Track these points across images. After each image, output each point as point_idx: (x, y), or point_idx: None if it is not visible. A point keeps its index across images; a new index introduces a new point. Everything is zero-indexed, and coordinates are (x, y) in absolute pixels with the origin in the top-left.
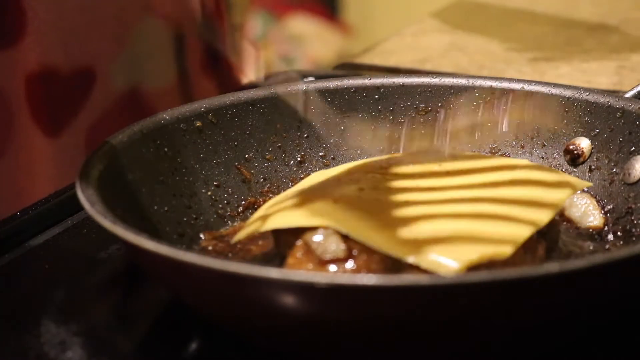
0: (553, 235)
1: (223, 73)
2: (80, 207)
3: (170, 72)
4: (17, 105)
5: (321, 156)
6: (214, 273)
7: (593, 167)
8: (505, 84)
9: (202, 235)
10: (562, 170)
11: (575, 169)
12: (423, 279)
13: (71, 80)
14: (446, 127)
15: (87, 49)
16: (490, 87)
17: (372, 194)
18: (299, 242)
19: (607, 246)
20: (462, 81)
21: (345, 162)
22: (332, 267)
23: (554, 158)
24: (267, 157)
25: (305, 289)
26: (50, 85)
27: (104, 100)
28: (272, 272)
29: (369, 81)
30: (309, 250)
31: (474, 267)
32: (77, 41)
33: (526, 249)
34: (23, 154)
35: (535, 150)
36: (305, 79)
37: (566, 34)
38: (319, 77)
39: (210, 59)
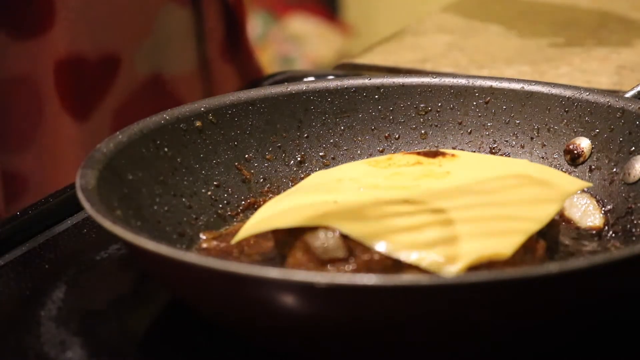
0: (553, 235)
1: (243, 59)
2: (80, 207)
3: (191, 57)
4: (46, 92)
5: (321, 156)
6: (214, 273)
7: (593, 167)
8: (505, 84)
9: (202, 235)
10: (562, 170)
11: (575, 169)
12: (423, 279)
13: (97, 66)
14: (447, 127)
15: (112, 35)
16: (490, 87)
17: (372, 193)
18: (299, 242)
19: (607, 246)
20: (462, 81)
21: (345, 162)
22: (332, 267)
23: (554, 158)
24: (267, 157)
25: (305, 289)
26: (78, 71)
27: (129, 85)
28: (272, 272)
29: (369, 81)
30: (309, 250)
31: (474, 267)
32: (103, 28)
33: (526, 249)
34: (52, 138)
35: (535, 150)
36: (305, 79)
37: (566, 34)
38: (319, 77)
39: (231, 45)
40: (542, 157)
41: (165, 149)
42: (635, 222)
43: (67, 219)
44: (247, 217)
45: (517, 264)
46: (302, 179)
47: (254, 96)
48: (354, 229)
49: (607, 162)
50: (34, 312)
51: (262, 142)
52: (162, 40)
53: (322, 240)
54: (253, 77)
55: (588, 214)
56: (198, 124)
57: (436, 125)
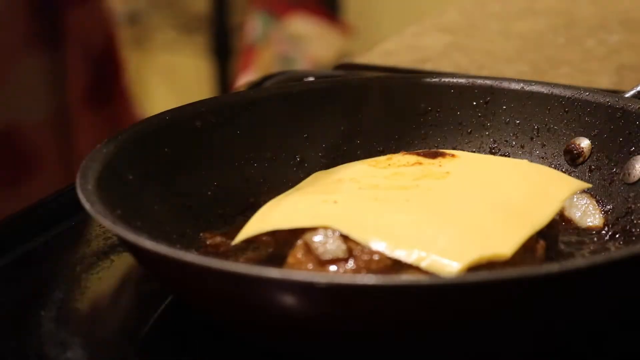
0: (553, 235)
1: (114, 108)
2: (80, 207)
3: (47, 106)
4: None
5: (321, 156)
6: (214, 273)
7: (593, 167)
8: (505, 84)
9: (202, 235)
10: (562, 170)
11: (575, 169)
12: (423, 279)
13: None
14: (447, 127)
15: None
16: (490, 87)
17: (372, 193)
18: (299, 242)
19: (607, 246)
20: (462, 81)
21: (345, 162)
22: (332, 267)
23: (554, 158)
24: (267, 157)
25: (305, 289)
26: None
27: None
28: (272, 272)
29: (369, 81)
30: (309, 250)
31: (474, 268)
32: None
33: (526, 249)
34: None
35: (535, 150)
36: (305, 79)
37: (566, 34)
38: (319, 77)
39: (98, 91)
40: (542, 157)
41: (165, 149)
42: (635, 222)
43: (67, 219)
44: (247, 217)
45: (517, 264)
46: (302, 179)
47: (254, 96)
48: (354, 229)
49: (607, 162)
50: (34, 312)
51: (262, 142)
52: (18, 89)
53: (322, 241)
54: (125, 125)
55: (588, 214)
56: (198, 124)
57: (436, 125)
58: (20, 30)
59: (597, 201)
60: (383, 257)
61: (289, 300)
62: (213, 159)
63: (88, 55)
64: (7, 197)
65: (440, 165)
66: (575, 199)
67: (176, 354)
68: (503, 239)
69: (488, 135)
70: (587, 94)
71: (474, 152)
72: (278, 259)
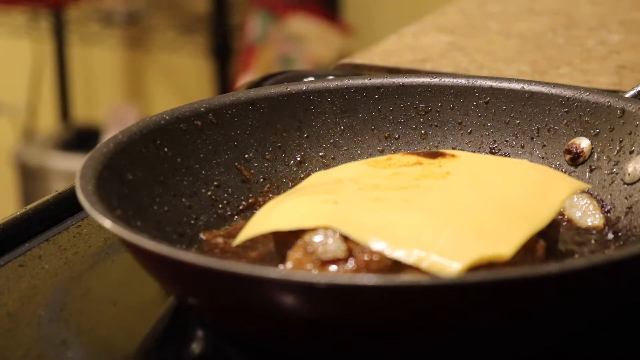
0: (553, 235)
1: None
2: (80, 207)
3: None
4: None
5: (321, 156)
6: (214, 273)
7: (593, 167)
8: (505, 84)
9: (202, 235)
10: (562, 170)
11: (575, 169)
12: (423, 279)
13: None
14: (447, 127)
15: None
16: (490, 87)
17: (372, 193)
18: (299, 242)
19: (607, 246)
20: (462, 81)
21: (345, 162)
22: (332, 267)
23: (554, 158)
24: (267, 157)
25: (305, 289)
26: None
27: None
28: (272, 272)
29: (369, 81)
30: (309, 250)
31: (474, 268)
32: None
33: (526, 249)
34: None
35: (535, 150)
36: (305, 79)
37: (566, 34)
38: (319, 77)
39: None
40: (542, 157)
41: (165, 149)
42: (635, 222)
43: (67, 219)
44: (247, 217)
45: (517, 264)
46: (302, 179)
47: (254, 96)
48: (354, 230)
49: (607, 162)
50: (34, 312)
51: (262, 142)
52: None
53: (322, 241)
54: None
55: (588, 214)
56: (198, 124)
57: (436, 125)
58: None
59: (597, 201)
60: (383, 257)
61: (288, 300)
62: (213, 159)
63: None
64: None
65: (440, 165)
66: (575, 199)
67: (176, 355)
68: (503, 240)
69: (488, 135)
70: (587, 94)
71: (474, 152)
72: (278, 259)
